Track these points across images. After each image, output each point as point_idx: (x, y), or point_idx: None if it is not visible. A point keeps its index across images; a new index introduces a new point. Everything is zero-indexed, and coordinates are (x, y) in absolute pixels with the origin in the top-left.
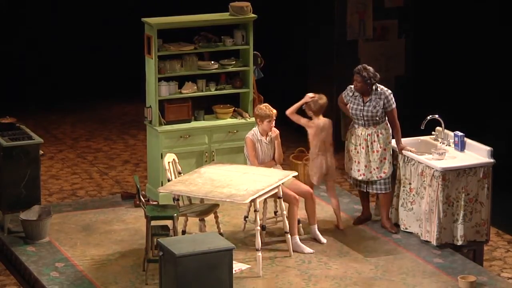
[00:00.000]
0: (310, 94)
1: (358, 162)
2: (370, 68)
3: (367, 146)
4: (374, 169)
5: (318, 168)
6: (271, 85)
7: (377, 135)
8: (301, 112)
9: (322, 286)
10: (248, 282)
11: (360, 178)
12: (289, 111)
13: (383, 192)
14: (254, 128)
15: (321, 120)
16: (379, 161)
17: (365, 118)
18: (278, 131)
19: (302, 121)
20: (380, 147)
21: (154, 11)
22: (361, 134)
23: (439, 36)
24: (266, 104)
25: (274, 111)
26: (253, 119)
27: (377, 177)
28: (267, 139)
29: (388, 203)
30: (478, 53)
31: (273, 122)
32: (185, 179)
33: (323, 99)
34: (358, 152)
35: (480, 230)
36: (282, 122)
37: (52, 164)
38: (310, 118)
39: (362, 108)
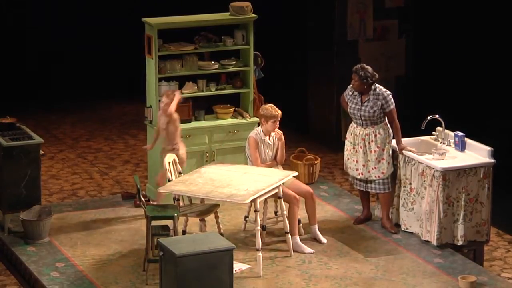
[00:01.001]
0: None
1: (357, 161)
2: (369, 68)
3: (365, 146)
4: (372, 169)
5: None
6: (271, 85)
7: (375, 135)
8: None
9: (322, 286)
10: (248, 282)
11: (359, 177)
12: (172, 109)
13: (382, 192)
14: (257, 128)
15: None
16: (376, 161)
17: (363, 118)
18: (281, 132)
19: (177, 117)
20: (378, 147)
21: (154, 11)
22: (359, 133)
23: (439, 36)
24: (272, 105)
25: (279, 112)
26: (253, 119)
27: (375, 176)
28: (270, 139)
29: (388, 203)
30: (478, 53)
31: (278, 123)
32: (185, 179)
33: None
34: (356, 152)
35: (480, 230)
36: (282, 123)
37: (52, 164)
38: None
39: (359, 108)
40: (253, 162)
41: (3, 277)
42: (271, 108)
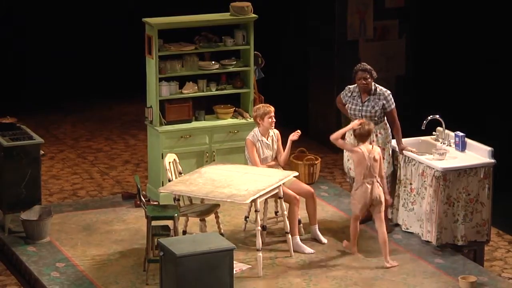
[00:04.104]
0: (357, 121)
1: None
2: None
3: None
4: None
5: (362, 197)
6: (272, 85)
7: (376, 135)
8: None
9: (322, 286)
10: (249, 282)
11: None
12: (333, 137)
13: None
14: (254, 129)
15: (367, 147)
16: None
17: (364, 118)
18: (278, 132)
19: (347, 147)
20: (379, 147)
21: (154, 11)
22: None
23: (439, 36)
24: (262, 104)
25: (271, 107)
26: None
27: None
28: (268, 139)
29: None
30: (479, 53)
31: (273, 117)
32: (185, 179)
33: (370, 125)
34: None
35: (480, 230)
36: (283, 123)
37: (52, 164)
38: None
39: (360, 108)
40: (253, 164)
41: (3, 277)
42: (262, 106)
